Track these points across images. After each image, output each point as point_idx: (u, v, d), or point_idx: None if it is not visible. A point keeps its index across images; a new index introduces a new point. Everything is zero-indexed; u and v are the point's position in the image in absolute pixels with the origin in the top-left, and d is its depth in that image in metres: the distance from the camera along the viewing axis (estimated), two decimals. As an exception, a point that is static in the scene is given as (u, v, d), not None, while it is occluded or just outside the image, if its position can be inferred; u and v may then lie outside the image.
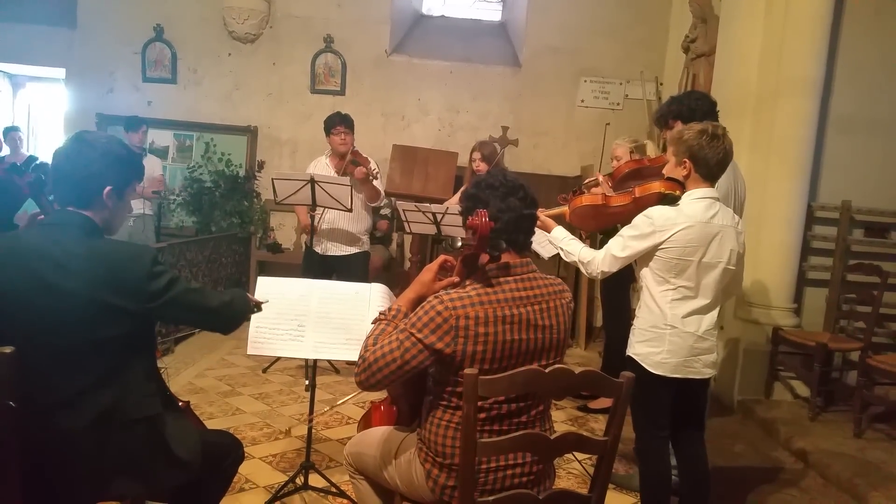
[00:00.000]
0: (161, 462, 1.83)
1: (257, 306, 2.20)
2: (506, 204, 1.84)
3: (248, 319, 2.20)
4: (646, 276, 2.48)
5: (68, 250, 1.73)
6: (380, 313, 1.99)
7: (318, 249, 4.67)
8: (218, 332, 2.02)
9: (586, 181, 3.46)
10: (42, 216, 2.10)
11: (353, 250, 4.73)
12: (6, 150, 6.49)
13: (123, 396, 1.76)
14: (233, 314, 1.99)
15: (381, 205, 6.42)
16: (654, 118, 3.21)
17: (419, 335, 1.74)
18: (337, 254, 4.70)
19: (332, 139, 4.62)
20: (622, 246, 2.45)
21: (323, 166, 4.71)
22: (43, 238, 1.77)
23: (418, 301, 1.92)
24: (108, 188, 1.83)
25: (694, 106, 2.92)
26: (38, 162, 6.40)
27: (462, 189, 2.11)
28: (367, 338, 1.89)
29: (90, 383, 1.72)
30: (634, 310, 2.64)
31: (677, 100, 3.04)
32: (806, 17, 4.27)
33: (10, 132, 6.72)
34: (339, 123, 4.59)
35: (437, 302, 1.76)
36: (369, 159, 4.66)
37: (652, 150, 4.22)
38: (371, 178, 4.48)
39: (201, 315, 1.94)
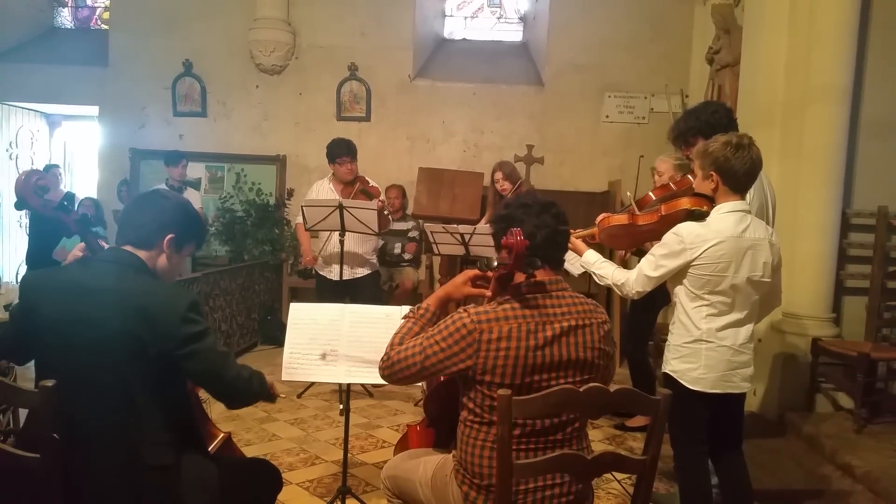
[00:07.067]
0: None
1: (273, 395, 2.02)
2: (541, 220, 1.86)
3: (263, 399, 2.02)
4: (679, 292, 2.45)
5: (113, 285, 1.75)
6: (409, 310, 2.03)
7: (329, 275, 4.70)
8: (223, 403, 1.94)
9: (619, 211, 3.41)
10: (87, 252, 2.14)
11: (366, 271, 4.81)
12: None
13: (140, 441, 1.74)
14: (245, 392, 1.91)
15: (409, 227, 6.46)
16: (671, 137, 3.02)
17: (442, 344, 1.79)
18: (352, 277, 4.73)
19: (337, 168, 4.64)
20: (654, 265, 2.43)
21: (326, 191, 4.72)
22: (91, 274, 1.80)
23: (446, 299, 2.00)
24: (170, 235, 1.88)
25: (712, 120, 2.83)
26: (81, 199, 6.54)
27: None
28: (395, 335, 1.95)
29: (113, 423, 1.72)
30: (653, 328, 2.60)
31: (693, 115, 2.92)
32: (831, 23, 4.21)
33: (50, 170, 6.92)
34: (344, 154, 4.59)
35: (464, 314, 1.80)
36: (377, 187, 4.70)
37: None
38: (386, 211, 4.51)
39: (215, 381, 1.85)
